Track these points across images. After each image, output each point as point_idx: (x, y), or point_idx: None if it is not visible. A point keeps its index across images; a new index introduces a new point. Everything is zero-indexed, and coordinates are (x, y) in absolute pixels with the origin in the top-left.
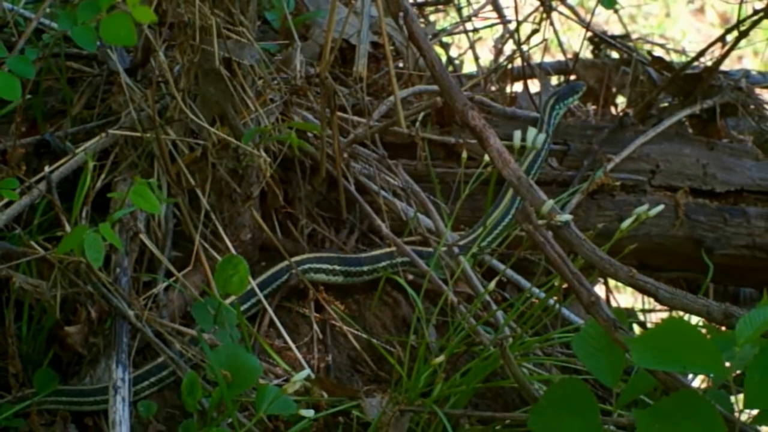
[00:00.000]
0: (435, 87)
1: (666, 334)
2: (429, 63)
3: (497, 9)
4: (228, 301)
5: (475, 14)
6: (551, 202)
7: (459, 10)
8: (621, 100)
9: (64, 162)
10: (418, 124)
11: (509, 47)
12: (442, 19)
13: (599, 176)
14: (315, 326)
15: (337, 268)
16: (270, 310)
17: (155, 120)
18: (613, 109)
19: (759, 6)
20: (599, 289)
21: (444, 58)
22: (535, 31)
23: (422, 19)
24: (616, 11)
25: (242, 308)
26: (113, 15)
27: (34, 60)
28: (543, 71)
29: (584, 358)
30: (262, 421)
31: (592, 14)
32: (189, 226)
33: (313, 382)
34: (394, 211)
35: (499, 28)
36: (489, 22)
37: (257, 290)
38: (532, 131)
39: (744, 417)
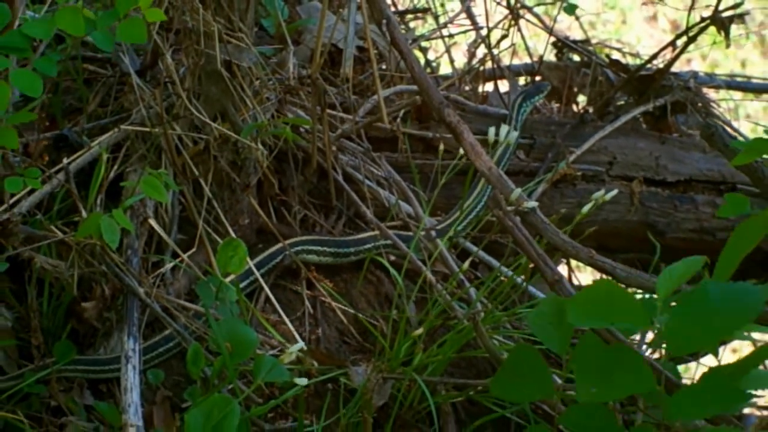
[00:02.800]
0: (414, 87)
1: (596, 294)
2: (409, 65)
3: (470, 17)
4: (228, 279)
5: (451, 21)
6: (519, 190)
7: (436, 17)
8: (582, 99)
9: (80, 154)
10: (399, 120)
11: (481, 51)
12: (420, 26)
13: (562, 167)
14: (306, 302)
15: (327, 249)
16: (266, 288)
17: (163, 117)
18: (574, 107)
19: (706, 14)
20: (562, 269)
21: (422, 61)
22: (504, 37)
23: (403, 26)
24: (577, 18)
25: (241, 286)
26: (129, 19)
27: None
28: (511, 72)
29: (538, 331)
30: (259, 387)
31: (554, 21)
32: (193, 212)
33: (305, 352)
34: (377, 198)
35: (472, 34)
36: (463, 29)
37: (254, 270)
38: (504, 128)
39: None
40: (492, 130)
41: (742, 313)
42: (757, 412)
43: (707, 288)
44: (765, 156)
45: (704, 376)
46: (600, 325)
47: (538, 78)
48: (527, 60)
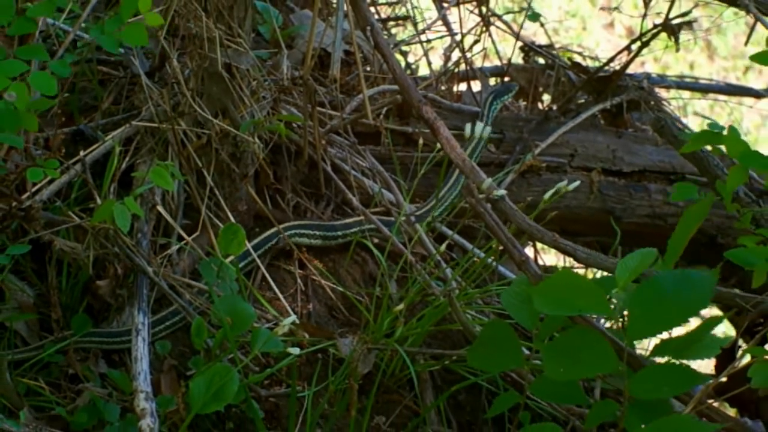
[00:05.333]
0: (396, 87)
1: (560, 283)
2: (391, 67)
3: (446, 24)
4: (228, 260)
5: (428, 28)
6: (490, 180)
7: (415, 24)
8: (546, 98)
9: (95, 148)
10: (382, 116)
11: (456, 54)
12: (401, 32)
13: (528, 159)
14: (299, 280)
15: (317, 233)
16: (262, 267)
17: (169, 114)
18: (540, 105)
19: (658, 21)
20: (528, 251)
21: (403, 64)
22: (476, 42)
23: (385, 32)
24: (542, 25)
25: (240, 266)
26: (132, 24)
27: (69, 63)
28: (483, 74)
29: (510, 308)
30: (256, 357)
31: (521, 28)
32: (197, 200)
33: (297, 326)
34: (362, 187)
35: (448, 39)
36: (439, 35)
37: (252, 251)
38: (479, 125)
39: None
40: (468, 127)
41: (694, 300)
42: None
43: (661, 277)
44: (709, 147)
45: (655, 347)
46: (565, 312)
47: (507, 79)
48: (497, 62)
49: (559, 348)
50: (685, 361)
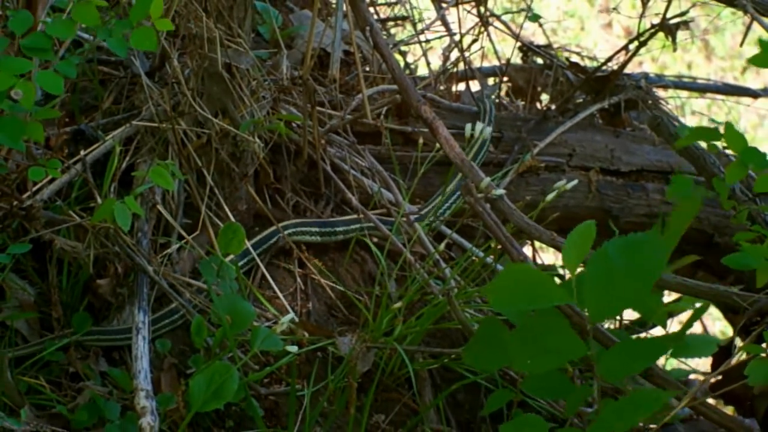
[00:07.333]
0: (395, 86)
1: (512, 278)
2: (390, 67)
3: (445, 24)
4: (228, 258)
5: (427, 28)
6: (488, 179)
7: (414, 24)
8: (545, 97)
9: (96, 147)
10: (381, 116)
11: (454, 54)
12: (400, 32)
13: (527, 159)
14: (298, 279)
15: (316, 230)
16: (262, 266)
17: (169, 113)
18: (538, 105)
19: (655, 21)
20: (527, 250)
21: (402, 63)
22: (475, 42)
23: (384, 32)
24: (540, 25)
25: (240, 264)
26: (141, 28)
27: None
28: (481, 74)
29: (497, 304)
30: (255, 355)
31: (520, 28)
32: (197, 199)
33: (296, 324)
34: (362, 186)
35: (447, 39)
36: (438, 35)
37: (252, 250)
38: (479, 125)
39: None
40: (468, 127)
41: (649, 265)
42: (701, 377)
43: (607, 248)
44: (705, 145)
45: (638, 339)
46: (520, 307)
47: (505, 79)
48: (496, 62)
49: (523, 338)
50: (683, 360)
